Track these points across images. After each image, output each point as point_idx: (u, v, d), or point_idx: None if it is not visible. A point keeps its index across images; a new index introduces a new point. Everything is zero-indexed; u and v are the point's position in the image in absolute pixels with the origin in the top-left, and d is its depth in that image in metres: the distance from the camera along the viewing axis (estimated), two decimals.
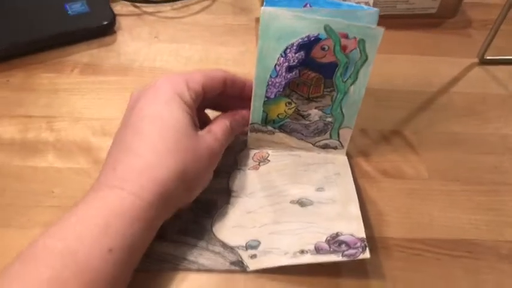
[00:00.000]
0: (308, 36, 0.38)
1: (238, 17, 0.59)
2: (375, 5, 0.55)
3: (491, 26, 0.51)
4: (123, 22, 0.57)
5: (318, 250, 0.36)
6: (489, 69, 0.54)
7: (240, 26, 0.58)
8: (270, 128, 0.43)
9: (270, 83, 0.40)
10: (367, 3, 0.38)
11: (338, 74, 0.39)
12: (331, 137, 0.43)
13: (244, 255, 0.36)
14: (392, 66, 0.53)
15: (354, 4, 0.37)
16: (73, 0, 0.55)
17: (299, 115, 0.42)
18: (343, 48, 0.38)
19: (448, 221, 0.40)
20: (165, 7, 0.60)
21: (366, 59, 0.38)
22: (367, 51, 0.37)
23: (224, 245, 0.37)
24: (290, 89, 0.41)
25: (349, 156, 0.43)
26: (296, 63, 0.39)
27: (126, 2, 0.60)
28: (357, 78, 0.39)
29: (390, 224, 0.39)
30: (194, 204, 0.38)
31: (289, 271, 0.36)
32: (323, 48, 0.38)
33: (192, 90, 0.37)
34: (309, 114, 0.42)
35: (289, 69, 0.39)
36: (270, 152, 0.43)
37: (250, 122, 0.42)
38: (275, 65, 0.39)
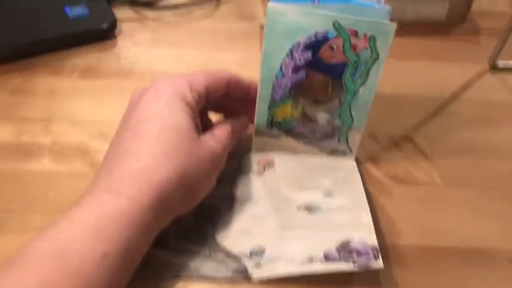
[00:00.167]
0: (316, 35, 0.36)
1: (242, 23, 0.58)
2: None
3: (500, 33, 0.50)
4: (124, 27, 0.56)
5: (327, 258, 0.34)
6: (500, 75, 0.52)
7: (243, 32, 0.56)
8: (275, 131, 0.41)
9: (275, 84, 0.39)
10: (378, 1, 0.36)
11: (347, 73, 0.37)
12: (339, 142, 0.41)
13: (249, 263, 0.34)
14: (402, 72, 0.51)
15: (365, 1, 0.36)
16: (74, 3, 0.54)
17: (306, 118, 0.40)
18: (353, 47, 0.36)
19: (463, 228, 0.38)
20: (167, 13, 0.59)
21: (377, 58, 0.36)
22: (378, 49, 0.36)
23: (227, 253, 0.35)
24: (296, 91, 0.39)
25: (358, 162, 0.41)
26: (303, 64, 0.38)
27: (127, 8, 0.58)
28: (367, 78, 0.37)
29: (403, 232, 0.37)
30: (196, 210, 0.36)
31: (296, 280, 0.34)
32: (331, 48, 0.37)
33: (194, 91, 0.36)
34: (316, 118, 0.40)
35: (296, 70, 0.38)
36: (275, 156, 0.41)
37: (255, 125, 0.41)
38: (281, 66, 0.38)
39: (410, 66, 0.53)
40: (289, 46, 0.37)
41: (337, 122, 0.40)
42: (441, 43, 0.56)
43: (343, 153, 0.41)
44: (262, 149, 0.42)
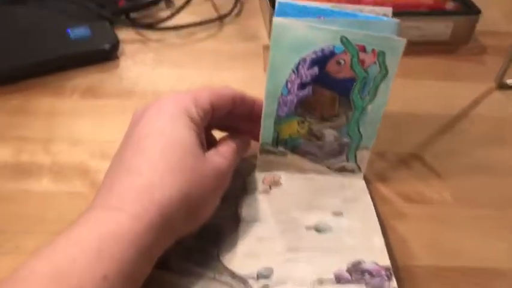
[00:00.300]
0: (322, 50, 0.35)
1: (245, 44, 0.58)
2: None
3: (505, 52, 0.50)
4: (126, 48, 0.55)
5: (338, 279, 0.33)
6: (508, 93, 0.51)
7: (246, 53, 0.56)
8: (281, 149, 0.40)
9: (281, 101, 0.38)
10: (385, 15, 0.36)
11: (355, 90, 0.37)
12: (347, 159, 0.40)
13: (256, 285, 0.33)
14: (408, 91, 0.50)
15: (372, 15, 0.35)
16: (76, 24, 0.54)
17: (312, 135, 0.39)
18: (361, 62, 0.35)
19: (479, 248, 0.36)
20: (170, 34, 0.58)
21: (386, 74, 0.35)
22: (388, 64, 0.35)
23: (233, 275, 0.33)
24: (302, 107, 0.38)
25: (366, 180, 0.40)
26: (309, 80, 0.37)
27: (130, 29, 0.58)
28: (376, 94, 0.36)
29: (416, 252, 0.36)
30: (199, 230, 0.34)
31: None
32: (339, 63, 0.36)
33: (199, 107, 0.35)
34: (323, 135, 0.39)
35: (302, 86, 0.37)
36: (281, 175, 0.40)
37: (260, 143, 0.40)
38: (286, 82, 0.37)
39: (416, 85, 0.52)
40: (295, 61, 0.36)
41: (345, 139, 0.39)
42: (446, 62, 0.56)
43: (351, 171, 0.40)
44: (267, 168, 0.40)
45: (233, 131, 0.40)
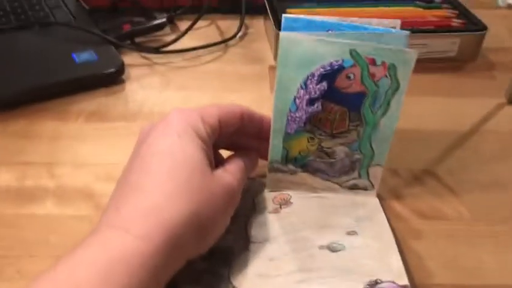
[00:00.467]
0: (331, 65, 0.35)
1: (251, 66, 0.57)
2: None
3: None
4: (132, 72, 0.55)
5: None
6: None
7: (252, 75, 0.56)
8: (291, 167, 0.39)
9: (289, 118, 0.37)
10: (394, 28, 0.35)
11: (366, 104, 0.36)
12: (360, 176, 0.39)
13: None
14: (418, 107, 0.49)
15: (381, 28, 0.35)
16: (81, 49, 0.54)
17: (323, 152, 0.38)
18: (372, 76, 0.35)
19: (500, 265, 0.35)
20: (176, 58, 0.58)
21: (398, 87, 0.35)
22: (399, 77, 0.34)
23: None
24: (312, 124, 0.37)
25: (380, 197, 0.39)
26: (318, 95, 0.36)
27: (135, 54, 0.58)
28: (388, 108, 0.36)
29: (434, 270, 0.34)
30: (209, 252, 0.33)
31: None
32: (348, 77, 0.35)
33: (207, 124, 0.34)
34: (334, 152, 0.38)
35: (311, 102, 0.36)
36: (291, 194, 0.39)
37: (269, 161, 0.39)
38: (295, 98, 0.36)
39: (425, 101, 0.51)
40: (304, 76, 0.35)
41: (357, 155, 0.38)
42: (455, 79, 0.55)
43: (364, 189, 0.39)
44: (277, 186, 0.39)
45: (241, 150, 0.39)
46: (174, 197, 0.29)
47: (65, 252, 0.27)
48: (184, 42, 0.59)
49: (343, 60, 0.34)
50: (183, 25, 0.62)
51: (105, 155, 0.44)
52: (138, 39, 0.60)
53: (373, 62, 0.34)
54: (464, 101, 0.51)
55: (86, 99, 0.50)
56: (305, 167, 0.39)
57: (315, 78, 0.35)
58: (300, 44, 0.34)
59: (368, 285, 0.32)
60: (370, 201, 0.38)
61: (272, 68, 0.56)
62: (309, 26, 0.35)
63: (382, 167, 0.38)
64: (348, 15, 0.36)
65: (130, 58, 0.57)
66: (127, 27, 0.59)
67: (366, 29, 0.35)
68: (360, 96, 0.36)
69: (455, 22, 0.58)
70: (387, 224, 0.36)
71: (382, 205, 0.38)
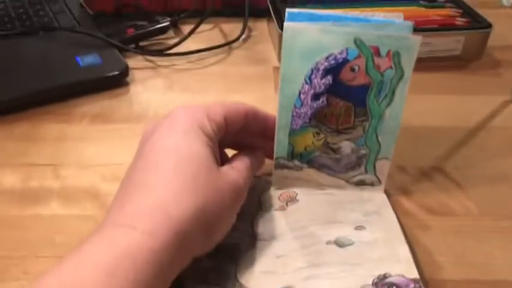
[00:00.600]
0: (335, 58, 0.35)
1: (255, 68, 0.57)
2: None
3: None
4: (136, 75, 0.55)
5: None
6: None
7: (256, 75, 0.55)
8: (297, 163, 0.38)
9: (294, 113, 0.37)
10: (398, 18, 0.35)
11: (371, 95, 0.35)
12: (366, 172, 0.38)
13: None
14: (423, 105, 0.49)
15: (384, 19, 0.35)
16: (85, 53, 0.54)
17: (328, 148, 0.38)
18: (376, 67, 0.34)
19: (509, 260, 0.34)
20: (180, 60, 0.58)
21: (402, 75, 0.34)
22: (403, 65, 0.34)
23: None
24: (317, 119, 0.37)
25: (387, 194, 0.38)
26: (323, 90, 0.36)
27: (139, 57, 0.58)
28: (393, 98, 0.35)
29: (443, 265, 0.34)
30: (215, 249, 0.32)
31: None
32: (353, 69, 0.35)
33: (213, 121, 0.34)
34: (340, 147, 0.38)
35: (315, 97, 0.36)
36: (298, 191, 0.39)
37: (274, 157, 0.38)
38: (299, 93, 0.36)
39: (431, 99, 0.51)
40: (308, 69, 0.35)
41: (363, 151, 0.38)
42: (460, 77, 0.55)
43: (371, 184, 0.38)
44: (283, 183, 0.39)
45: (247, 148, 0.39)
46: (181, 193, 0.29)
47: (70, 250, 0.27)
48: (188, 46, 0.59)
49: (347, 53, 0.34)
50: (187, 29, 0.62)
51: (110, 156, 0.43)
52: (142, 43, 0.60)
53: (377, 52, 0.34)
54: (470, 99, 0.51)
55: (90, 102, 0.50)
56: (311, 163, 0.38)
57: (320, 72, 0.35)
58: (304, 34, 0.34)
59: (377, 279, 0.31)
60: (377, 197, 0.38)
61: (276, 69, 0.56)
62: (313, 19, 0.35)
63: (389, 160, 0.37)
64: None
65: (134, 61, 0.57)
66: (131, 31, 0.59)
67: (370, 20, 0.34)
68: (365, 88, 0.35)
69: (460, 21, 0.58)
70: (395, 219, 0.36)
71: (389, 201, 0.38)
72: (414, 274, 0.31)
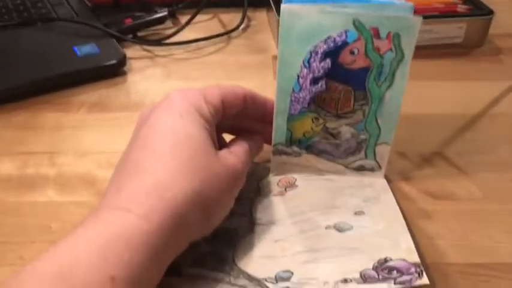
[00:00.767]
0: (334, 41, 0.34)
1: (254, 56, 0.57)
2: None
3: None
4: (134, 64, 0.55)
5: (364, 278, 0.30)
6: None
7: (255, 64, 0.55)
8: (295, 149, 0.38)
9: (293, 98, 0.36)
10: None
11: (371, 77, 0.35)
12: (366, 157, 0.38)
13: None
14: (426, 92, 0.49)
15: (384, 0, 0.34)
16: (83, 43, 0.54)
17: (328, 133, 0.37)
18: (376, 50, 0.34)
19: None
20: (178, 50, 0.58)
21: (402, 57, 0.34)
22: (403, 47, 0.33)
23: (250, 277, 0.31)
24: (316, 104, 0.36)
25: (388, 179, 0.38)
26: (322, 74, 0.35)
27: (137, 47, 0.58)
28: (393, 81, 0.35)
29: (446, 249, 0.33)
30: (213, 234, 0.32)
31: None
32: (352, 52, 0.34)
33: (210, 104, 0.33)
34: (339, 132, 0.37)
35: (314, 81, 0.35)
36: (297, 177, 0.38)
37: (273, 143, 0.38)
38: (298, 77, 0.35)
39: (433, 86, 0.50)
40: (306, 52, 0.34)
41: (362, 136, 0.37)
42: (463, 63, 0.54)
43: (371, 170, 0.38)
44: (282, 169, 0.38)
45: (246, 133, 0.38)
46: (177, 175, 0.29)
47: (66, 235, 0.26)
48: (187, 35, 0.59)
49: (346, 36, 0.34)
50: (185, 19, 0.61)
51: (107, 144, 0.43)
52: (140, 33, 0.60)
53: (377, 34, 0.33)
54: (472, 85, 0.50)
55: (88, 91, 0.50)
56: (310, 149, 0.38)
57: (318, 56, 0.35)
58: (301, 16, 0.33)
59: (377, 263, 0.31)
60: (377, 182, 0.37)
61: (275, 58, 0.55)
62: (311, 0, 0.34)
63: (389, 145, 0.37)
64: None
65: (132, 51, 0.57)
66: (129, 21, 0.59)
67: (369, 1, 0.34)
68: (364, 71, 0.35)
69: (461, 8, 0.57)
70: (395, 204, 0.35)
71: (390, 186, 0.37)
72: (415, 258, 0.31)
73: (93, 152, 0.42)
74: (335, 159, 0.38)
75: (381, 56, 0.34)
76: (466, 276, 0.32)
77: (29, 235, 0.34)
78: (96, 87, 0.51)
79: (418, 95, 0.48)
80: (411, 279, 0.29)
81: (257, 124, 0.38)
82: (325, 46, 0.34)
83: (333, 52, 0.34)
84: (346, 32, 0.33)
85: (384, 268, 0.30)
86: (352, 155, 0.38)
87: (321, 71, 0.35)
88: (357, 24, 0.33)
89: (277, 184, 0.38)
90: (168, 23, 0.62)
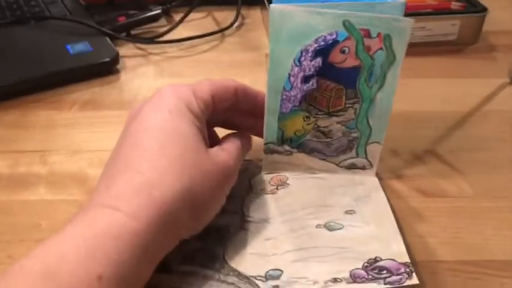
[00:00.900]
0: (325, 39, 0.34)
1: (248, 54, 0.57)
2: None
3: None
4: (127, 62, 0.55)
5: (354, 278, 0.30)
6: None
7: (248, 61, 0.55)
8: (287, 147, 0.38)
9: (284, 97, 0.36)
10: None
11: (362, 78, 0.35)
12: (357, 155, 0.38)
13: (264, 287, 0.30)
14: (419, 90, 0.49)
15: None
16: (76, 41, 0.53)
17: (319, 132, 0.37)
18: (367, 49, 0.34)
19: (505, 240, 0.34)
20: (171, 48, 0.57)
21: (394, 59, 0.34)
22: (395, 48, 0.33)
23: (239, 275, 0.31)
24: (307, 103, 0.36)
25: (380, 177, 0.38)
26: (312, 72, 0.35)
27: (130, 45, 0.58)
28: (384, 82, 0.35)
29: (437, 246, 0.33)
30: (204, 231, 0.31)
31: None
32: (343, 51, 0.34)
33: (200, 99, 0.33)
34: (331, 131, 0.37)
35: (305, 79, 0.35)
36: (288, 175, 0.38)
37: (264, 142, 0.38)
38: (289, 76, 0.35)
39: (426, 83, 0.50)
40: (296, 52, 0.34)
41: (354, 134, 0.37)
42: (456, 60, 0.54)
43: (362, 168, 0.38)
44: (273, 168, 0.38)
45: (236, 127, 0.38)
46: (166, 173, 0.29)
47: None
48: (181, 34, 0.59)
49: (337, 34, 0.34)
50: (179, 17, 0.61)
51: (99, 142, 0.43)
52: (134, 32, 0.59)
53: (368, 34, 0.33)
54: (466, 82, 0.50)
55: (80, 89, 0.50)
56: (301, 147, 0.38)
57: (309, 54, 0.35)
58: (291, 16, 0.33)
59: (367, 263, 0.31)
60: (368, 180, 0.37)
61: (268, 56, 0.55)
62: (301, 0, 0.34)
63: (381, 144, 0.37)
64: None
65: (125, 49, 0.56)
66: (122, 19, 0.58)
67: None
68: (355, 70, 0.35)
69: (455, 5, 0.57)
70: (386, 202, 0.35)
71: (381, 184, 0.37)
72: (405, 258, 0.31)
73: (85, 150, 0.42)
74: (326, 157, 0.38)
75: (372, 58, 0.34)
76: (456, 274, 0.32)
77: (18, 234, 0.34)
78: (89, 86, 0.50)
79: (411, 93, 0.48)
80: (401, 279, 0.29)
81: (248, 118, 0.38)
82: (315, 44, 0.34)
83: (324, 50, 0.34)
84: (336, 31, 0.33)
85: (373, 268, 0.30)
86: (343, 153, 0.38)
87: (312, 70, 0.35)
88: (347, 25, 0.33)
89: (269, 182, 0.38)
90: (162, 21, 0.62)
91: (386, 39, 0.33)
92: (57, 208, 0.36)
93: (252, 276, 0.30)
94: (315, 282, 0.30)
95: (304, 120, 0.37)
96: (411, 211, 0.36)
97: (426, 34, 0.55)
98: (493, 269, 0.32)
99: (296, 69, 0.35)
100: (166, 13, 0.63)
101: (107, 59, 0.52)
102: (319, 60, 0.35)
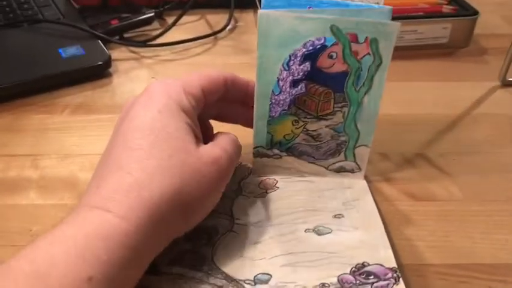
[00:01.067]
0: (313, 44, 0.34)
1: (240, 57, 0.57)
2: None
3: (507, 52, 0.48)
4: (120, 66, 0.55)
5: (341, 283, 0.30)
6: None
7: (241, 64, 0.55)
8: (276, 151, 0.38)
9: (273, 101, 0.36)
10: (377, 4, 0.34)
11: (349, 82, 0.35)
12: (346, 158, 0.38)
13: None
14: (409, 93, 0.49)
15: (363, 3, 0.34)
16: (68, 44, 0.53)
17: (308, 136, 0.38)
18: (354, 54, 0.34)
19: (494, 243, 0.34)
20: (164, 51, 0.58)
21: (380, 63, 0.34)
22: (381, 52, 0.33)
23: (227, 277, 0.31)
24: (296, 106, 0.36)
25: (368, 180, 0.38)
26: (301, 77, 0.35)
27: (123, 48, 0.58)
28: (371, 86, 0.35)
29: (425, 250, 0.33)
30: (192, 232, 0.32)
31: None
32: (330, 56, 0.35)
33: (190, 95, 0.33)
34: (320, 134, 0.38)
35: (294, 83, 0.36)
36: (278, 178, 0.38)
37: (253, 146, 0.38)
38: (278, 80, 0.35)
39: (417, 87, 0.50)
40: (285, 56, 0.34)
41: (342, 137, 0.37)
42: (447, 64, 0.54)
43: (351, 171, 0.38)
44: (263, 171, 0.38)
45: (229, 119, 0.38)
46: (156, 174, 0.29)
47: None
48: (174, 37, 0.59)
49: (325, 39, 0.34)
50: (172, 20, 0.61)
51: (91, 146, 0.43)
52: (127, 35, 0.59)
53: (355, 39, 0.33)
54: (457, 85, 0.51)
55: (72, 93, 0.50)
56: (290, 151, 0.38)
57: (298, 58, 0.35)
58: (279, 22, 0.33)
59: (355, 268, 0.31)
60: (357, 184, 0.38)
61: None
62: (290, 5, 0.34)
63: (369, 147, 0.37)
64: None
65: (118, 53, 0.57)
66: (115, 23, 0.58)
67: (348, 5, 0.34)
68: (343, 75, 0.35)
69: (446, 8, 0.57)
70: (375, 206, 0.36)
71: (371, 188, 0.37)
72: (392, 263, 0.31)
73: (76, 154, 0.42)
74: (315, 160, 0.38)
75: (359, 62, 0.34)
76: (445, 277, 0.32)
77: (9, 238, 0.34)
78: (81, 89, 0.51)
79: (402, 96, 0.48)
80: (388, 285, 0.30)
81: (240, 108, 0.38)
82: (304, 49, 0.34)
83: (312, 55, 0.34)
84: (324, 36, 0.34)
85: (361, 273, 0.31)
86: (332, 156, 0.38)
87: (301, 74, 0.35)
88: (334, 30, 0.33)
89: (259, 185, 0.38)
90: (155, 24, 0.62)
91: (373, 42, 0.33)
92: (48, 213, 0.36)
93: (240, 280, 0.31)
94: (304, 287, 0.30)
95: (293, 124, 0.37)
96: (400, 214, 0.36)
97: (418, 37, 0.56)
98: (482, 272, 0.32)
99: (285, 73, 0.35)
100: (159, 16, 0.63)
101: (100, 63, 0.52)
102: (307, 64, 0.35)
